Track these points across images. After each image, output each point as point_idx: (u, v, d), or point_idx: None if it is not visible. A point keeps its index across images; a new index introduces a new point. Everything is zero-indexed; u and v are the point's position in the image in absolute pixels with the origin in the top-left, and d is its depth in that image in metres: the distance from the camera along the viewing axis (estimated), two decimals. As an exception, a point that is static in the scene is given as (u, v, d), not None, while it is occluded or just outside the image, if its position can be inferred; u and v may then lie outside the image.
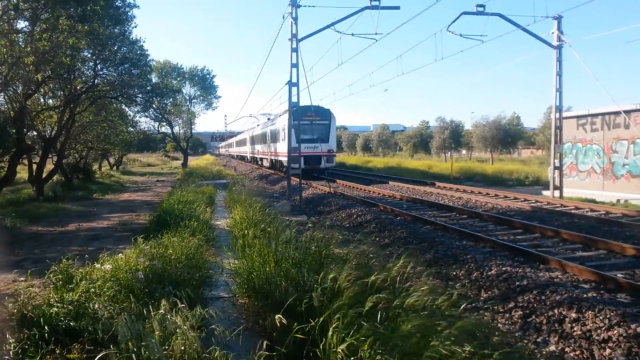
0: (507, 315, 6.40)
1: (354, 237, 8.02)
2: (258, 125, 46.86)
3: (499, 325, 6.10)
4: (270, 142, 35.20)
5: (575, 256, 9.09)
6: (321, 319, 4.11)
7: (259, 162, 44.55)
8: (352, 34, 18.34)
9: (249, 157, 53.94)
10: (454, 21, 18.27)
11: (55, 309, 4.61)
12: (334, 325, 3.93)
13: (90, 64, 20.22)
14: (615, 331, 5.34)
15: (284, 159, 26.07)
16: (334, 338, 3.86)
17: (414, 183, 25.09)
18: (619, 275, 7.55)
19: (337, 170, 33.38)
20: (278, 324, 3.87)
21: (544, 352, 5.21)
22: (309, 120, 27.54)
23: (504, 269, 7.80)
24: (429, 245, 10.00)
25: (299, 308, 4.46)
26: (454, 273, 8.15)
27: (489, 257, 8.66)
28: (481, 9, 17.78)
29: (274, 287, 5.24)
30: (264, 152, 38.73)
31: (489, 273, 7.76)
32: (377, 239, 11.40)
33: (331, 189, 21.18)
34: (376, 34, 18.07)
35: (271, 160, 35.71)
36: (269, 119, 41.21)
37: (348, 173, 34.59)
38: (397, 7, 17.28)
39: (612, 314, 5.69)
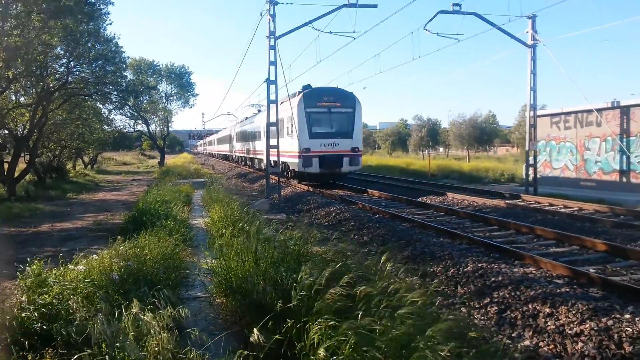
0: (483, 310, 6.49)
1: (332, 235, 8.02)
2: (247, 118, 38.26)
3: (475, 321, 6.17)
4: (266, 138, 26.67)
5: (549, 252, 9.27)
6: (302, 320, 4.09)
7: (249, 163, 35.67)
8: (330, 32, 18.35)
9: (234, 157, 45.07)
10: (430, 20, 18.43)
11: (28, 312, 4.51)
12: (315, 327, 3.91)
13: (64, 60, 19.88)
14: (587, 325, 5.46)
15: (289, 160, 21.35)
16: (314, 338, 3.85)
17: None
18: (591, 270, 7.72)
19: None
20: (256, 337, 3.81)
21: (518, 347, 5.29)
22: (326, 108, 21.02)
23: (479, 265, 7.90)
24: (407, 242, 10.06)
25: (277, 307, 4.44)
26: (432, 269, 8.23)
27: (465, 253, 8.76)
28: (457, 8, 17.97)
29: (251, 286, 5.21)
30: (257, 151, 30.98)
31: (465, 269, 7.85)
32: (356, 236, 11.44)
33: (309, 188, 20.97)
34: (354, 32, 18.10)
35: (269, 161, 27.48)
36: (259, 110, 34.70)
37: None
38: (375, 6, 17.32)
39: (584, 308, 5.82)
